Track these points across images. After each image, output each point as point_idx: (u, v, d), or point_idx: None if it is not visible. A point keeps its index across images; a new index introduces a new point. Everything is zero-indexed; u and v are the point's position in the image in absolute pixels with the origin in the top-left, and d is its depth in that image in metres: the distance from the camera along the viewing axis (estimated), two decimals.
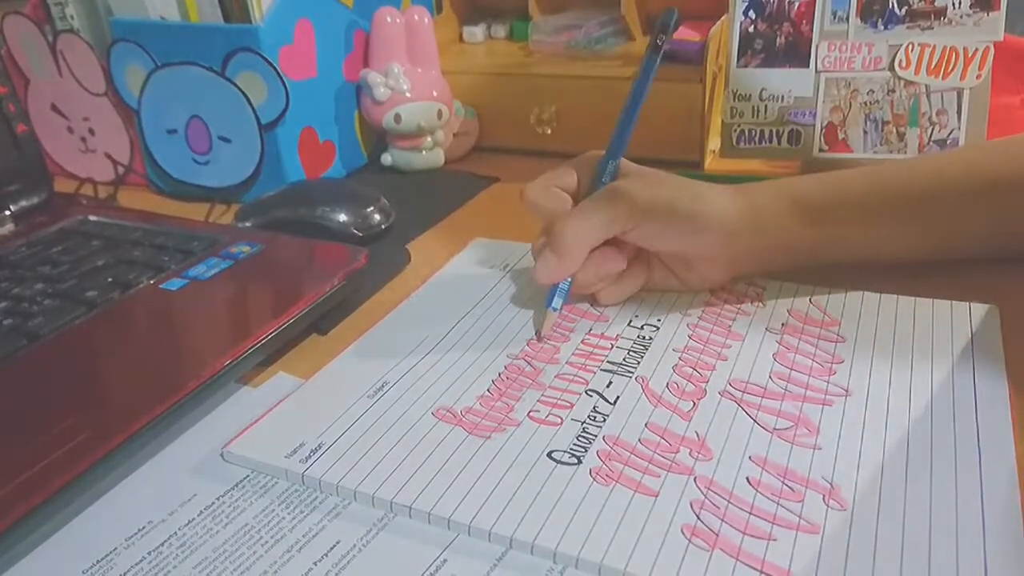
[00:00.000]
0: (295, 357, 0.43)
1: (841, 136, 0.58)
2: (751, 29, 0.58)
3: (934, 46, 0.55)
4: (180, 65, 0.62)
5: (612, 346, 0.41)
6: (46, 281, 0.47)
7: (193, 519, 0.32)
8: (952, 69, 0.55)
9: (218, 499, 0.33)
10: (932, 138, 0.57)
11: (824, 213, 0.43)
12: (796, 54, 0.58)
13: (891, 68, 0.56)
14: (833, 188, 0.44)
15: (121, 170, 0.69)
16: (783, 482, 0.32)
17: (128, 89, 0.65)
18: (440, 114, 0.68)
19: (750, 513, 0.30)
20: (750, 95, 0.59)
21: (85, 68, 0.66)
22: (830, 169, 0.46)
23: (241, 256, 0.49)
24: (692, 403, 0.36)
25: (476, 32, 0.82)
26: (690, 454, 0.33)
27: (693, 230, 0.41)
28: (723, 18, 0.62)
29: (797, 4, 0.57)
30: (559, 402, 0.37)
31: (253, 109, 0.61)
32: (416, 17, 0.68)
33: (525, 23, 0.78)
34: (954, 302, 0.43)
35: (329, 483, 0.33)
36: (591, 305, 0.45)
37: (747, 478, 0.32)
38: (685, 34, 0.67)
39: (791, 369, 0.39)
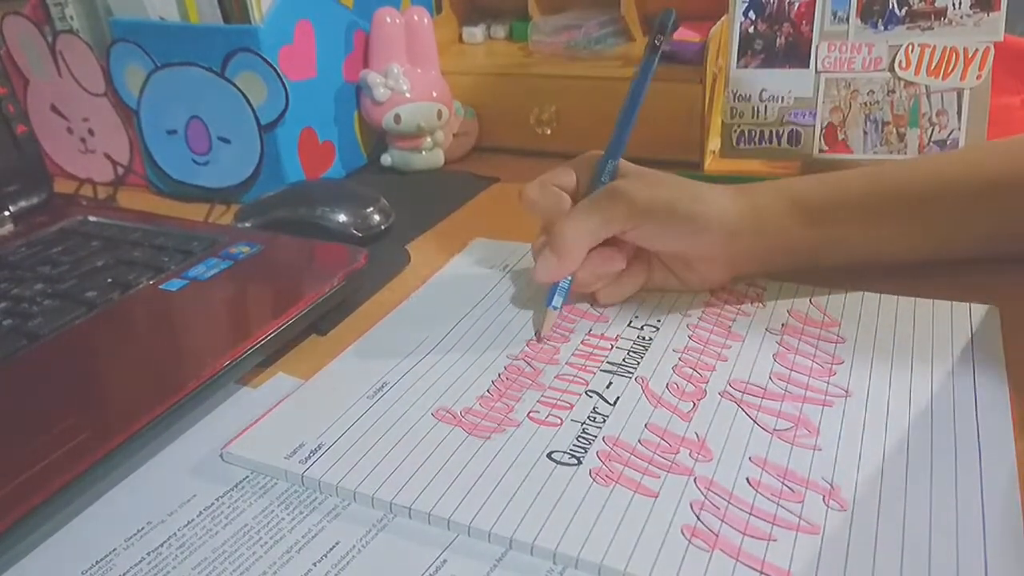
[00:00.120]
0: (295, 358, 0.43)
1: (841, 137, 0.58)
2: (751, 29, 0.58)
3: (934, 46, 0.55)
4: (180, 65, 0.62)
5: (612, 347, 0.41)
6: (46, 281, 0.47)
7: (192, 520, 0.32)
8: (952, 69, 0.55)
9: (217, 500, 0.33)
10: (932, 139, 0.56)
11: (824, 214, 0.43)
12: (796, 54, 0.58)
13: (891, 69, 0.56)
14: (833, 189, 0.44)
15: (121, 170, 0.69)
16: (783, 483, 0.32)
17: (128, 89, 0.65)
18: (440, 114, 0.68)
19: (750, 514, 0.30)
20: (750, 95, 0.59)
21: (85, 68, 0.66)
22: (830, 169, 0.46)
23: (241, 256, 0.49)
24: (692, 404, 0.36)
25: (476, 32, 0.82)
26: (690, 455, 0.33)
27: (693, 230, 0.41)
28: (723, 18, 0.62)
29: (797, 4, 0.57)
30: (559, 403, 0.37)
31: (253, 109, 0.61)
32: (416, 17, 0.68)
33: (525, 23, 0.78)
34: (954, 303, 0.43)
35: (329, 484, 0.33)
36: (591, 306, 0.45)
37: (747, 479, 0.32)
38: (685, 34, 0.67)
39: (791, 370, 0.39)
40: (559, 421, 0.36)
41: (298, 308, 0.43)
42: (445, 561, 0.29)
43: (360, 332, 0.44)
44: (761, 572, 0.28)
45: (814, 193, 0.44)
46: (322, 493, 0.33)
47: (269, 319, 0.42)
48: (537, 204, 0.44)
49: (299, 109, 0.62)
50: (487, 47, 0.81)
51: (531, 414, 0.36)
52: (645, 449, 0.34)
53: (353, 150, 0.70)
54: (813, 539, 0.29)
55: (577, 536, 0.29)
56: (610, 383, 0.38)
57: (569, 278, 0.43)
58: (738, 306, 0.44)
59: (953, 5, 0.54)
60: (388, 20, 0.67)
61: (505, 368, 0.40)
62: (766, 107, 0.59)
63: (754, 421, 0.35)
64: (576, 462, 0.33)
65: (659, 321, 0.43)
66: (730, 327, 0.42)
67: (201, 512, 0.32)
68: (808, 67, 0.58)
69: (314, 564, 0.29)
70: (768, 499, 0.31)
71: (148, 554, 0.30)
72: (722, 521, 0.30)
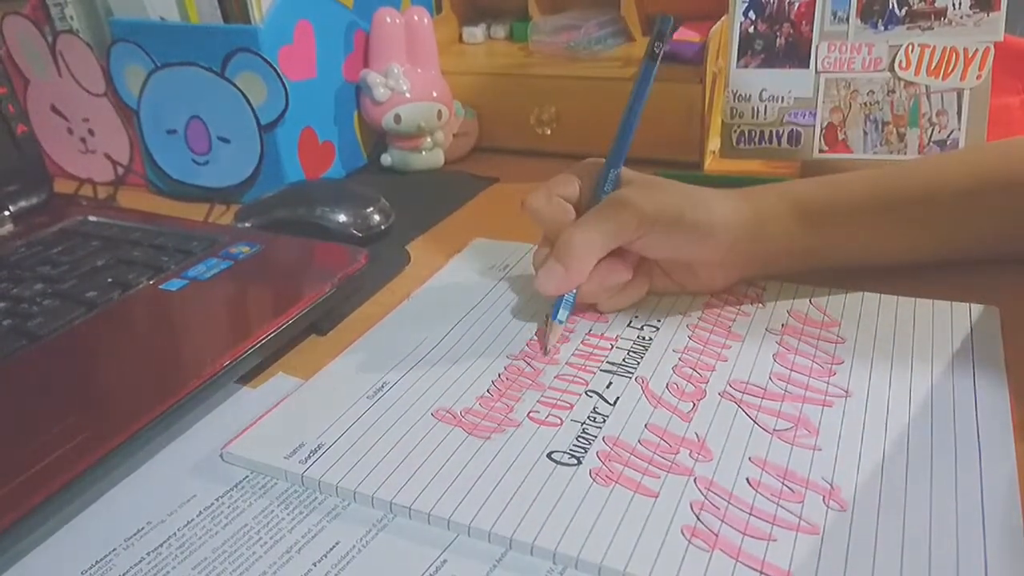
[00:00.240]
0: (294, 358, 0.43)
1: (841, 137, 0.58)
2: (751, 30, 0.58)
3: (934, 47, 0.55)
4: (180, 65, 0.62)
5: (612, 347, 0.41)
6: (46, 281, 0.47)
7: (192, 520, 0.32)
8: (952, 70, 0.55)
9: (217, 500, 0.33)
10: (932, 139, 0.56)
11: (825, 217, 0.43)
12: (796, 55, 0.58)
13: (891, 69, 0.56)
14: (834, 191, 0.44)
15: (121, 170, 0.69)
16: (783, 483, 0.32)
17: (128, 89, 0.65)
18: (440, 115, 0.68)
19: (750, 514, 0.30)
20: (750, 95, 0.59)
21: (85, 68, 0.66)
22: (830, 170, 0.46)
23: (240, 256, 0.49)
24: (692, 404, 0.36)
25: (476, 32, 0.82)
26: (690, 455, 0.33)
27: (698, 237, 0.41)
28: (723, 18, 0.62)
29: (797, 4, 0.57)
30: (559, 403, 0.37)
31: (253, 109, 0.61)
32: (416, 17, 0.68)
33: (525, 23, 0.78)
34: (954, 303, 0.43)
35: (328, 484, 0.33)
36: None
37: (747, 479, 0.32)
38: (685, 34, 0.67)
39: (791, 370, 0.39)
40: (559, 421, 0.36)
41: (298, 308, 0.43)
42: (445, 561, 0.29)
43: (360, 332, 0.44)
44: (761, 572, 0.28)
45: (815, 196, 0.44)
46: (322, 493, 0.33)
47: (269, 319, 0.42)
48: (541, 214, 0.43)
49: (299, 109, 0.62)
50: (487, 47, 0.81)
51: (531, 414, 0.36)
52: (645, 449, 0.34)
53: (353, 150, 0.70)
54: (813, 539, 0.29)
55: (577, 536, 0.29)
56: (610, 383, 0.38)
57: (574, 291, 0.43)
58: (738, 306, 0.44)
59: (953, 5, 0.54)
60: (388, 20, 0.67)
61: (505, 368, 0.40)
62: (766, 107, 0.59)
63: (754, 421, 0.35)
64: (576, 462, 0.33)
65: (659, 321, 0.43)
66: (730, 327, 0.42)
67: (201, 512, 0.32)
68: (808, 67, 0.58)
69: (314, 564, 0.29)
70: (768, 499, 0.31)
71: (148, 554, 0.30)
72: (722, 521, 0.30)
